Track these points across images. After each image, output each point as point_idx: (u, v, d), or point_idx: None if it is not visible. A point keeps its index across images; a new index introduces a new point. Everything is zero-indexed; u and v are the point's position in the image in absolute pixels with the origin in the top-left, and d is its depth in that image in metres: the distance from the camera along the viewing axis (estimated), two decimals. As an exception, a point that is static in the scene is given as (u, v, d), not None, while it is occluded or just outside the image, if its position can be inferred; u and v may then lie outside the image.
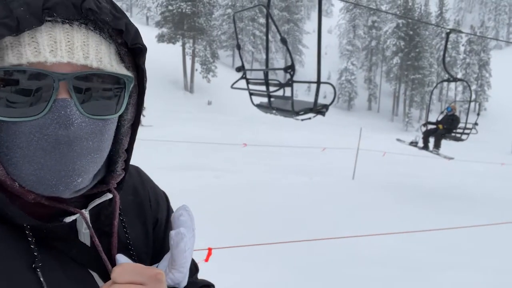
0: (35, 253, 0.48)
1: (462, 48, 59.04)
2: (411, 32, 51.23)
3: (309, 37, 61.21)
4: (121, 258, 0.56)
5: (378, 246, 5.06)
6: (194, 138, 13.71)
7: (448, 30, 9.38)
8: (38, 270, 0.47)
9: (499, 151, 29.05)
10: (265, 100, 6.15)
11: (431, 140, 10.74)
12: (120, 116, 0.57)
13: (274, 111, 5.95)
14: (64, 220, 0.52)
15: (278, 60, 54.21)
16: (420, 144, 10.81)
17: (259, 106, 6.36)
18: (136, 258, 0.62)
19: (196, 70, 38.03)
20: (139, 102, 0.59)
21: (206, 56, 37.14)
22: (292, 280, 3.99)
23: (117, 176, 0.59)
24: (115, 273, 0.49)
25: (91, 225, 0.54)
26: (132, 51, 0.54)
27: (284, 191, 8.00)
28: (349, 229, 5.48)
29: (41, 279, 0.47)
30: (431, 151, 10.61)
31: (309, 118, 5.93)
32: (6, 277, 0.45)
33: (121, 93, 0.52)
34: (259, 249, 4.05)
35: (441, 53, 56.35)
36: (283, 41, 4.58)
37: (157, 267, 0.60)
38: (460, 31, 9.19)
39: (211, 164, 10.30)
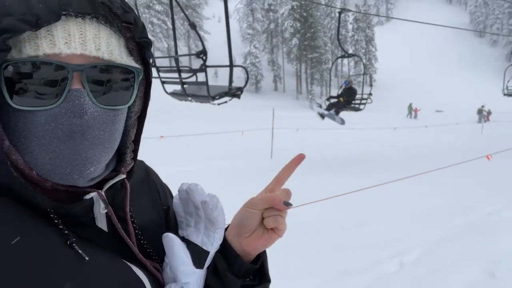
0: (66, 232, 0.48)
1: (350, 26, 64.28)
2: (305, 14, 54.06)
3: (209, 22, 60.71)
4: (169, 235, 0.61)
5: (303, 216, 5.40)
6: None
7: (339, 10, 10.17)
8: (74, 245, 0.48)
9: (397, 116, 32.75)
10: (178, 87, 6.04)
11: (332, 111, 11.69)
12: (128, 108, 0.58)
13: (189, 98, 5.89)
14: (84, 197, 0.52)
15: (182, 48, 52.84)
16: (324, 112, 11.69)
17: (173, 94, 6.22)
18: (145, 243, 0.62)
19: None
20: (146, 95, 0.61)
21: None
22: None
23: (127, 165, 0.61)
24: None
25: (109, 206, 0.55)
26: (139, 45, 0.56)
27: (208, 178, 8.02)
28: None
29: (79, 251, 0.48)
30: (327, 115, 11.47)
31: (225, 102, 6.00)
32: (47, 253, 0.45)
33: (131, 85, 0.54)
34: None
35: (333, 32, 60.78)
36: (192, 26, 4.53)
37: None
38: (349, 10, 10.01)
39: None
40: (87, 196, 0.53)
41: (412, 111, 36.34)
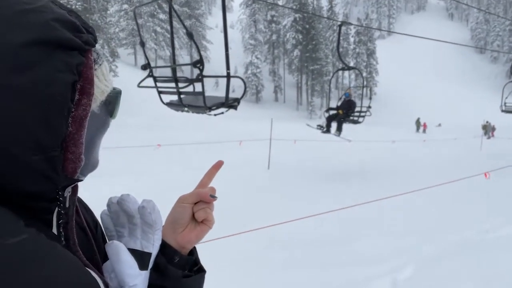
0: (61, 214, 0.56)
1: (352, 39, 64.77)
2: (307, 26, 54.52)
3: (212, 32, 61.22)
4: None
5: (294, 230, 5.33)
6: (104, 143, 12.81)
7: (340, 23, 10.23)
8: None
9: (396, 129, 32.75)
10: (175, 97, 6.02)
11: (334, 125, 11.68)
12: None
13: (186, 108, 5.87)
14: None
15: (184, 57, 53.20)
16: (324, 128, 11.68)
17: (170, 104, 6.20)
18: (95, 248, 0.65)
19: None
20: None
21: (104, 55, 34.63)
22: (238, 270, 4.00)
23: None
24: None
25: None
26: None
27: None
28: (269, 218, 5.65)
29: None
30: (333, 134, 11.53)
31: (222, 113, 5.98)
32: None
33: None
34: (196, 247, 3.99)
35: (335, 44, 61.21)
36: (190, 35, 4.53)
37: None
38: (350, 23, 10.08)
39: (125, 168, 9.76)
40: (69, 189, 0.57)
41: (420, 126, 36.52)
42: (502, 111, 14.13)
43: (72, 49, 0.49)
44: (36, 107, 0.44)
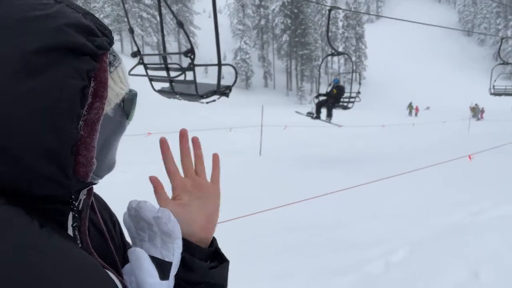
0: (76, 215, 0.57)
1: (340, 24, 64.47)
2: (295, 10, 54.02)
3: (199, 18, 60.27)
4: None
5: (286, 215, 5.39)
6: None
7: (329, 7, 10.16)
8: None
9: (386, 114, 33.02)
10: (166, 85, 5.96)
11: (324, 111, 11.72)
12: None
13: (177, 96, 5.82)
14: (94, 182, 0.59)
15: (171, 43, 52.38)
16: (314, 114, 11.72)
17: (161, 91, 6.14)
18: (112, 249, 0.65)
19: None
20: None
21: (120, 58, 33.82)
22: (232, 258, 4.02)
23: None
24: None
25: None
26: None
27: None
28: (262, 204, 5.70)
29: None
30: (324, 120, 11.58)
31: (214, 100, 5.94)
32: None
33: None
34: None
35: (324, 29, 60.89)
36: (180, 24, 4.47)
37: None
38: (339, 8, 10.00)
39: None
40: (84, 191, 0.59)
41: (413, 109, 37.03)
42: (491, 94, 14.32)
43: (84, 54, 0.49)
44: (44, 113, 0.45)
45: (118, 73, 0.57)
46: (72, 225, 0.55)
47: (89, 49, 0.49)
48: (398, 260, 3.92)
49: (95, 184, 0.59)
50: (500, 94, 14.16)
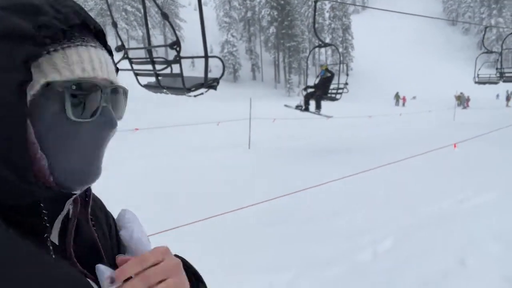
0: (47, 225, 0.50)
1: (327, 15, 64.46)
2: (282, 2, 53.78)
3: (185, 10, 59.59)
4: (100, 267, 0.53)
5: (275, 207, 5.41)
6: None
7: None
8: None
9: (373, 104, 33.25)
10: (152, 79, 5.88)
11: (312, 103, 11.74)
12: None
13: (164, 90, 5.76)
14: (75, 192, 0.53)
15: (157, 36, 51.70)
16: (303, 106, 11.74)
17: (148, 86, 6.07)
18: (104, 258, 0.59)
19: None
20: None
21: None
22: (224, 252, 4.04)
23: None
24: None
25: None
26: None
27: (187, 171, 7.93)
28: (253, 197, 5.72)
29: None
30: (313, 112, 11.61)
31: (202, 94, 5.90)
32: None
33: (126, 102, 0.60)
34: (182, 230, 4.01)
35: (311, 20, 60.79)
36: (165, 16, 4.40)
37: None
38: (325, -1, 9.94)
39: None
40: (69, 201, 0.54)
41: (399, 99, 37.44)
42: (476, 82, 14.52)
43: (21, 37, 0.42)
44: None
45: (66, 55, 0.47)
46: (44, 236, 0.49)
47: (25, 30, 0.42)
48: (386, 249, 3.98)
49: (73, 195, 0.54)
50: (484, 83, 14.38)
